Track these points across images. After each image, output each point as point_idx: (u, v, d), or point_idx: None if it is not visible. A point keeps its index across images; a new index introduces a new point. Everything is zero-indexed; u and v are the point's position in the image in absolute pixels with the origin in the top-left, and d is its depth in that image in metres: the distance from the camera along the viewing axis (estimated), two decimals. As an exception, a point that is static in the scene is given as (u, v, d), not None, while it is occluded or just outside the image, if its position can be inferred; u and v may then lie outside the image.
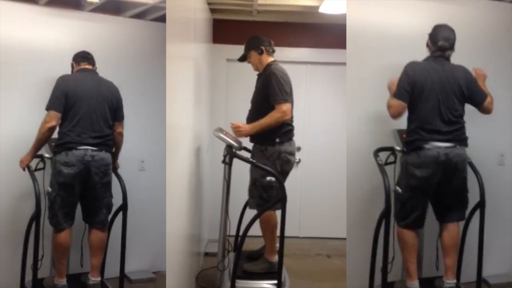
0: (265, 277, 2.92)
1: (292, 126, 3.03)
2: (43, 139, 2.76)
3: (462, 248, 2.91)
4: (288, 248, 3.10)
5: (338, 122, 4.35)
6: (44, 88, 2.83)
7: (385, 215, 2.70)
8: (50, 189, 2.79)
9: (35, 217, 2.77)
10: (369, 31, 3.10)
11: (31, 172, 2.83)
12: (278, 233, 2.97)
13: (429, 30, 2.77)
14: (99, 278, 2.94)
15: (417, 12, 3.14)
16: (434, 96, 2.60)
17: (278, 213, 2.98)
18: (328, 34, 4.38)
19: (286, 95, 2.88)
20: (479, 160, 2.90)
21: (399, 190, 2.70)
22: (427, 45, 2.75)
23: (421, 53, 2.80)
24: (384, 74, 2.94)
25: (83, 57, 2.96)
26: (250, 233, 2.81)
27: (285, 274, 2.99)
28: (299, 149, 4.63)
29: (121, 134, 3.02)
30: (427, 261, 3.01)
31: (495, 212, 3.21)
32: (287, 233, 2.85)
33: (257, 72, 3.13)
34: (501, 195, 3.34)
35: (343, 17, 3.46)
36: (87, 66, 2.95)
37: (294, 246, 4.26)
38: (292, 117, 3.02)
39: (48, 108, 2.74)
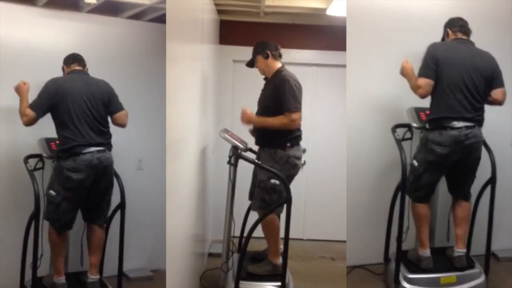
0: (269, 279, 2.92)
1: (301, 131, 3.04)
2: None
3: (473, 222, 3.00)
4: (292, 250, 3.10)
5: (344, 125, 4.33)
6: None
7: (401, 188, 2.84)
8: (53, 193, 2.77)
9: (34, 216, 2.77)
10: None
11: (30, 172, 2.84)
12: (281, 235, 2.97)
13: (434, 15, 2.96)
14: (98, 276, 2.96)
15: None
16: (458, 74, 2.66)
17: (282, 216, 2.99)
18: (335, 36, 4.36)
19: (298, 104, 2.88)
20: (493, 140, 2.95)
21: (415, 163, 2.81)
22: (446, 34, 2.85)
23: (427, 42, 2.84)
24: (387, 62, 3.11)
25: (73, 59, 2.95)
26: (254, 234, 2.81)
27: (289, 276, 2.99)
28: (304, 151, 4.61)
29: (122, 126, 3.00)
30: (439, 233, 3.15)
31: (507, 190, 3.36)
32: (291, 235, 2.85)
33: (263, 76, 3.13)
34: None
35: (351, 19, 3.45)
36: (77, 68, 2.93)
37: (298, 248, 4.25)
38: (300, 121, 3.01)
39: (32, 106, 2.73)
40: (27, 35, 3.18)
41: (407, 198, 2.87)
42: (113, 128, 2.99)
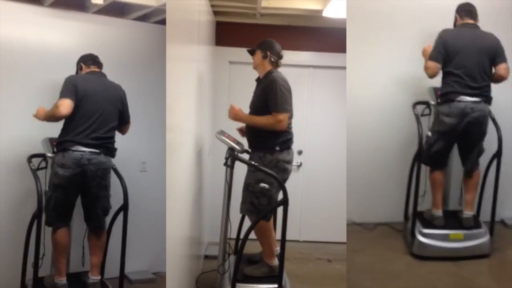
0: (265, 281, 2.91)
1: (292, 135, 3.01)
2: (50, 119, 2.80)
3: (482, 190, 3.38)
4: (289, 252, 3.10)
5: (340, 126, 4.34)
6: (47, 89, 2.84)
7: (417, 157, 3.30)
8: (429, 134, 3.10)
9: (37, 216, 2.77)
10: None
11: (33, 171, 2.83)
12: (277, 237, 2.96)
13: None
14: (98, 277, 2.94)
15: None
16: (466, 56, 3.01)
17: (278, 217, 2.98)
18: (332, 38, 4.38)
19: (286, 105, 2.86)
20: (503, 117, 3.31)
21: (429, 134, 3.19)
22: (455, 19, 3.19)
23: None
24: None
25: (92, 60, 2.96)
26: (251, 236, 2.80)
27: (285, 278, 2.98)
28: (300, 152, 4.62)
29: (122, 134, 3.06)
30: (453, 199, 3.54)
31: None
32: (288, 237, 2.84)
33: (257, 75, 3.12)
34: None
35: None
36: (96, 69, 2.96)
37: (295, 250, 4.25)
38: (290, 124, 2.99)
39: (62, 96, 2.73)
40: (33, 34, 3.17)
41: (423, 166, 3.28)
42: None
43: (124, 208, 3.03)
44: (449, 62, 3.03)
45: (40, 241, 2.77)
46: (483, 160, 3.27)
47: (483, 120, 3.06)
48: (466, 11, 3.13)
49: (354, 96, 3.59)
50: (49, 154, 2.90)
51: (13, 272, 2.97)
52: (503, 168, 3.26)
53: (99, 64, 2.97)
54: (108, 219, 3.05)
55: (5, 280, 3.08)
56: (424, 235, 3.18)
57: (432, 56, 3.05)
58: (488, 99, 3.07)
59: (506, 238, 3.47)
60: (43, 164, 2.95)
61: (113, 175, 3.00)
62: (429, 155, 3.20)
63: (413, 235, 3.22)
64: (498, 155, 3.23)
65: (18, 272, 2.93)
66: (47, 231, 2.86)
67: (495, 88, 3.11)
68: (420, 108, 3.35)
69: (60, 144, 2.77)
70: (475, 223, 3.22)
